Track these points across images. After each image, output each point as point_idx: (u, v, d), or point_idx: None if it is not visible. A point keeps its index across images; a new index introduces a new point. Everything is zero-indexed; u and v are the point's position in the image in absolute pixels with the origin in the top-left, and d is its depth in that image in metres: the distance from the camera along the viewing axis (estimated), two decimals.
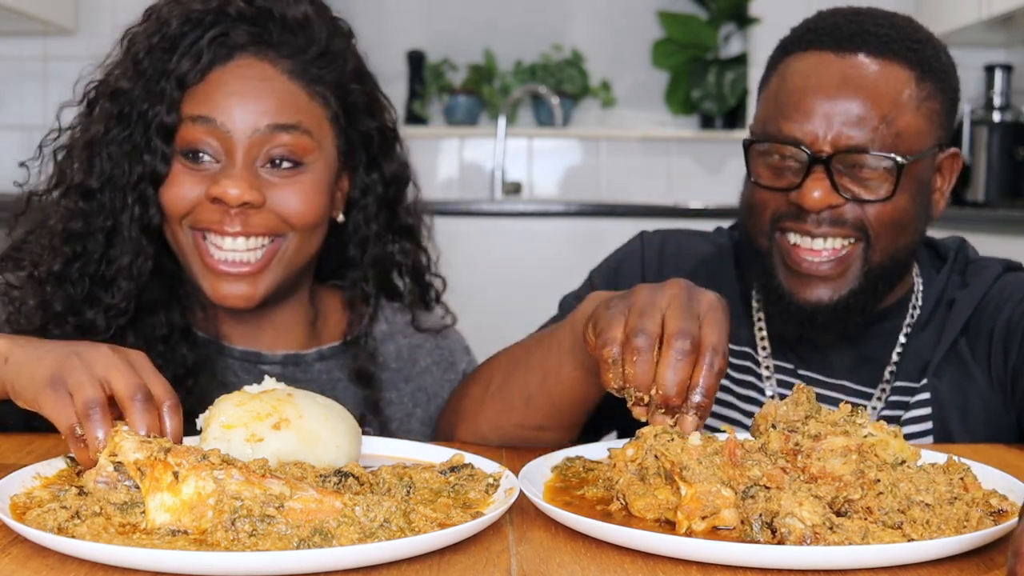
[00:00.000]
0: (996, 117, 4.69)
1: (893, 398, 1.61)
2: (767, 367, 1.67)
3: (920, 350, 1.63)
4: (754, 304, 1.71)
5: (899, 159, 1.48)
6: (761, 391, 1.66)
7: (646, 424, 1.17)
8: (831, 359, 1.64)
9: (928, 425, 1.59)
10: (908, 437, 1.51)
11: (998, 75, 4.72)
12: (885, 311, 1.64)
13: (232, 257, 1.53)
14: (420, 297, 1.80)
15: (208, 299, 1.57)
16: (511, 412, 1.49)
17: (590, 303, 1.34)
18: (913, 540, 1.00)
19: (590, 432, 1.79)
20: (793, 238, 1.54)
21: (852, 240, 1.52)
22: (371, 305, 1.71)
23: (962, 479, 1.09)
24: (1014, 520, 1.03)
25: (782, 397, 1.61)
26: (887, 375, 1.63)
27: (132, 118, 1.53)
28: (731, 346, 1.65)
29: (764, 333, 1.68)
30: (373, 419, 1.67)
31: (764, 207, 1.56)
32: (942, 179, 1.61)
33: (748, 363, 1.68)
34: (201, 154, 1.53)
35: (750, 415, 1.65)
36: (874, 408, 1.62)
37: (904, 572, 0.96)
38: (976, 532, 0.99)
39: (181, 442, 1.20)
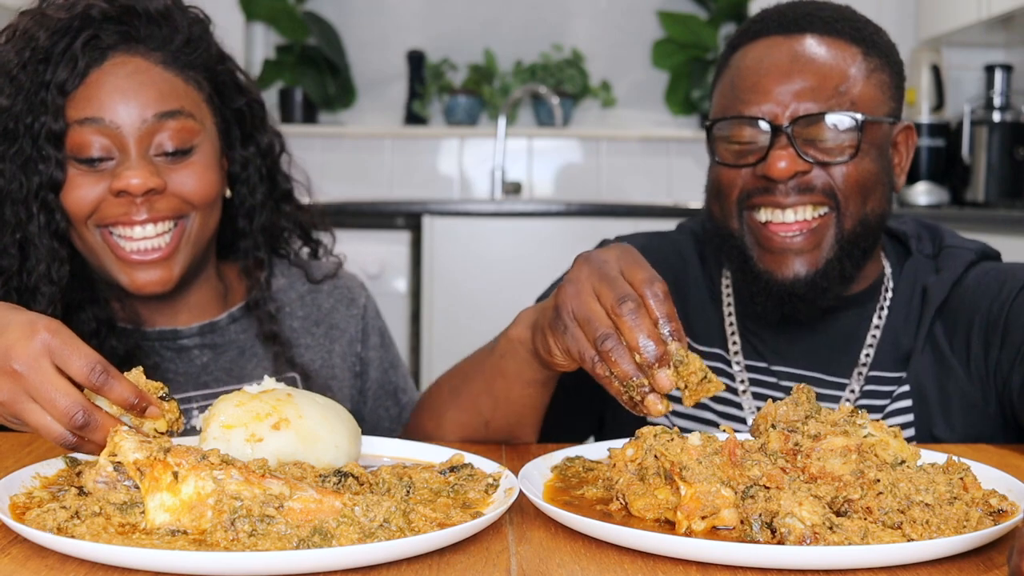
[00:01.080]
0: (996, 117, 4.68)
1: (868, 387, 1.61)
2: (737, 363, 1.67)
3: (897, 339, 1.63)
4: (724, 299, 1.72)
5: (859, 117, 1.53)
6: (734, 391, 1.66)
7: (645, 423, 1.19)
8: (804, 352, 1.65)
9: (910, 417, 1.58)
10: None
11: (998, 75, 4.72)
12: (857, 296, 1.65)
13: (143, 245, 1.60)
14: (312, 254, 1.91)
15: (126, 290, 1.63)
16: (474, 435, 1.54)
17: (521, 326, 1.40)
18: (913, 540, 1.00)
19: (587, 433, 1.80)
20: (764, 215, 1.56)
21: (824, 210, 1.55)
22: (264, 269, 1.80)
23: (962, 479, 1.09)
24: (1015, 519, 1.03)
25: (755, 396, 1.63)
26: (862, 358, 1.63)
27: (19, 132, 1.58)
28: (702, 348, 1.69)
29: (735, 328, 1.69)
30: (289, 370, 1.76)
31: (731, 187, 1.58)
32: (899, 154, 1.64)
33: (719, 364, 1.68)
34: (94, 158, 1.58)
35: (724, 416, 1.66)
36: (847, 400, 1.62)
37: (904, 572, 0.96)
38: (976, 532, 0.99)
39: (133, 397, 1.19)
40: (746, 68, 1.58)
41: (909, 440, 1.39)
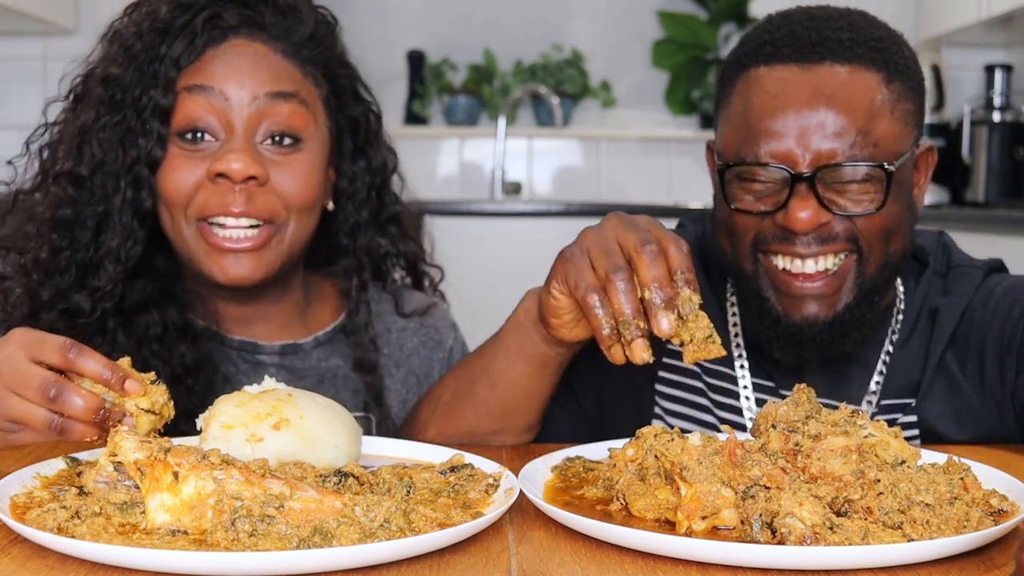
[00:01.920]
0: (996, 117, 4.69)
1: (881, 417, 1.56)
2: (745, 386, 1.61)
3: (905, 366, 1.58)
4: (729, 316, 1.65)
5: (887, 166, 1.44)
6: (739, 411, 1.61)
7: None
8: (815, 377, 1.57)
9: (916, 443, 1.54)
10: None
11: (998, 75, 4.72)
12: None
13: (234, 234, 1.53)
14: (416, 285, 1.83)
15: (214, 281, 1.57)
16: (461, 422, 1.51)
17: (528, 299, 1.41)
18: (913, 540, 1.00)
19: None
20: (780, 262, 1.48)
21: (844, 255, 1.47)
22: (367, 291, 1.73)
23: (962, 479, 1.09)
24: (1016, 519, 1.03)
25: None
26: (872, 387, 1.58)
27: (125, 103, 1.53)
28: (705, 364, 1.63)
29: (743, 349, 1.63)
30: (376, 408, 1.68)
31: (746, 231, 1.50)
32: (919, 175, 1.56)
33: (725, 383, 1.62)
34: (199, 133, 1.53)
35: None
36: None
37: (904, 572, 0.96)
38: (976, 532, 0.99)
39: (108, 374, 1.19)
40: (759, 101, 1.46)
41: None
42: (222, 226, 1.53)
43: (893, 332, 1.60)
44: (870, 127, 1.44)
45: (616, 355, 1.23)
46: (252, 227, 1.54)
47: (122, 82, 1.53)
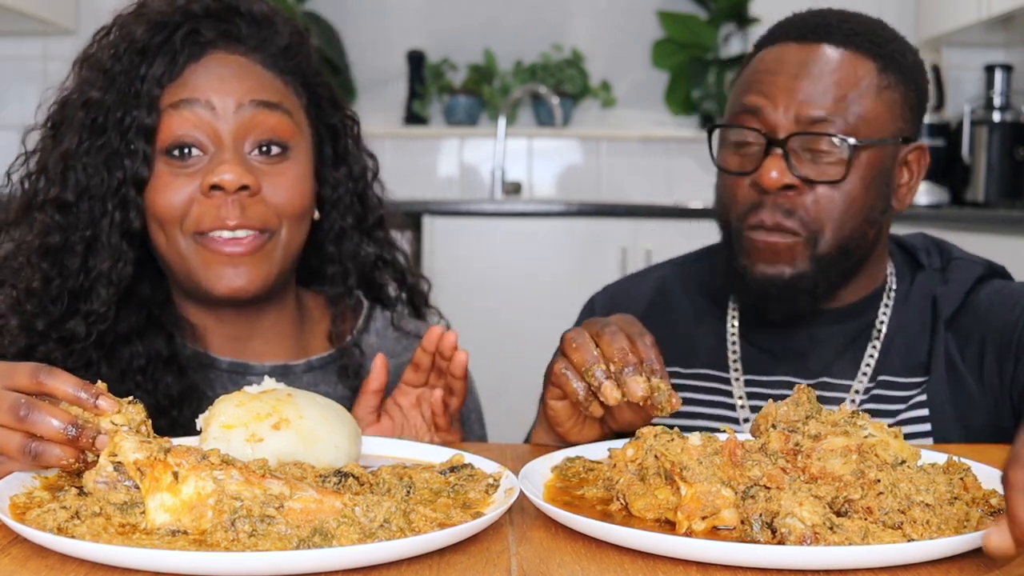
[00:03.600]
0: (996, 117, 4.68)
1: (878, 391, 1.61)
2: (737, 379, 1.68)
3: (910, 346, 1.63)
4: (729, 317, 1.72)
5: (853, 141, 1.51)
6: (732, 407, 1.66)
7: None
8: (807, 360, 1.65)
9: (927, 427, 1.58)
10: (907, 437, 1.51)
11: (998, 75, 4.72)
12: (858, 304, 1.66)
13: (232, 249, 1.51)
14: (410, 301, 1.81)
15: (208, 294, 1.55)
16: None
17: (539, 424, 1.49)
18: (913, 540, 1.00)
19: None
20: (752, 233, 1.57)
21: (794, 238, 1.55)
22: (354, 305, 1.71)
23: (962, 479, 1.09)
24: None
25: (753, 410, 1.63)
26: (867, 361, 1.63)
27: (107, 125, 1.52)
28: (692, 369, 1.70)
29: (738, 345, 1.70)
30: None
31: (732, 199, 1.59)
32: (909, 173, 1.63)
33: (714, 384, 1.68)
34: (187, 148, 1.51)
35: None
36: (852, 401, 1.61)
37: (904, 572, 0.96)
38: (976, 532, 0.99)
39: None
40: (757, 68, 1.57)
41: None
42: (219, 238, 1.51)
43: (884, 313, 1.66)
44: (852, 100, 1.53)
45: (595, 410, 1.34)
46: (247, 236, 1.52)
47: (103, 105, 1.52)
